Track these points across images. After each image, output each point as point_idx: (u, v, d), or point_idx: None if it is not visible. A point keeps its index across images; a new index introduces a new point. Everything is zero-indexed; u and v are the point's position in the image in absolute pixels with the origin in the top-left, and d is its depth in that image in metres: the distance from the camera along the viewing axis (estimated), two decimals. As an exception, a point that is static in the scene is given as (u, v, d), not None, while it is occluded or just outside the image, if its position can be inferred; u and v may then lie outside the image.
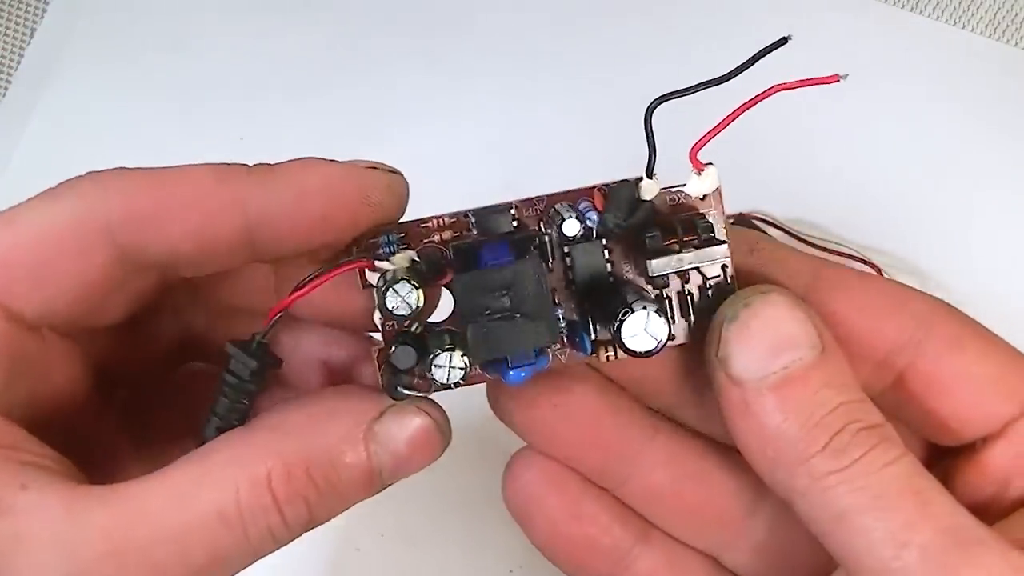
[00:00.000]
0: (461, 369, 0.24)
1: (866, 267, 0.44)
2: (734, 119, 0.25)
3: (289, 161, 0.25)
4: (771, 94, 0.25)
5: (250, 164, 0.25)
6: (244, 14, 0.51)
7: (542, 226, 0.25)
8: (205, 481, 0.23)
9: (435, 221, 0.25)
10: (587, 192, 0.25)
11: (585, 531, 0.27)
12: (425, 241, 0.25)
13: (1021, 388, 0.23)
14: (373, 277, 0.24)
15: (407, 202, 0.26)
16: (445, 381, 0.24)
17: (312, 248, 0.25)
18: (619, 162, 0.48)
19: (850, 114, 0.48)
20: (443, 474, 0.44)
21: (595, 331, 0.25)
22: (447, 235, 0.25)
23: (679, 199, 0.25)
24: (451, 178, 0.49)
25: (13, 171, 0.50)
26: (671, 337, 0.24)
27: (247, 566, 0.23)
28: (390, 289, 0.23)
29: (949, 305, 0.24)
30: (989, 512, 0.23)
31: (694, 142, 0.24)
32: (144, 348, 0.28)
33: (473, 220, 0.25)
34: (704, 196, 0.26)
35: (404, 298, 0.23)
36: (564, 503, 0.28)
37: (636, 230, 0.24)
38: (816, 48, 0.49)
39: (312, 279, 0.24)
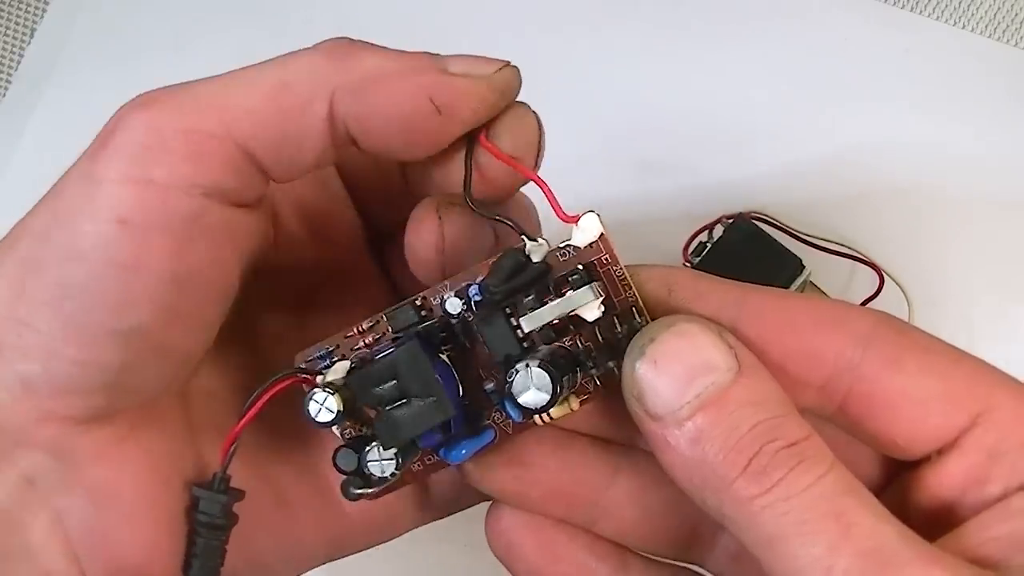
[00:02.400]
0: (391, 460, 0.25)
1: (866, 267, 0.44)
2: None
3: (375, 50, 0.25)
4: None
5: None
6: (244, 14, 0.51)
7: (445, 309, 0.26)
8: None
9: (356, 328, 0.26)
10: (483, 267, 0.25)
11: (564, 571, 0.28)
12: (354, 349, 0.26)
13: (967, 398, 0.22)
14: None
15: (508, 102, 0.26)
16: (381, 474, 0.25)
17: (408, 151, 0.25)
18: (621, 162, 0.48)
19: (850, 114, 0.48)
20: (444, 473, 0.44)
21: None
22: (369, 339, 0.26)
23: (570, 253, 0.25)
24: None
25: (13, 171, 0.50)
26: (561, 388, 0.24)
27: None
28: (310, 400, 0.25)
29: (891, 319, 0.23)
30: (947, 523, 0.22)
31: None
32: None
33: (386, 319, 0.26)
34: (592, 244, 0.25)
35: (324, 405, 0.25)
36: (540, 547, 0.28)
37: (521, 292, 0.25)
38: (816, 48, 0.49)
39: (254, 401, 0.25)
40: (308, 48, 0.25)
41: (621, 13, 0.50)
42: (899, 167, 0.47)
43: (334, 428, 0.26)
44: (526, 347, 0.25)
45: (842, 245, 0.43)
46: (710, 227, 0.43)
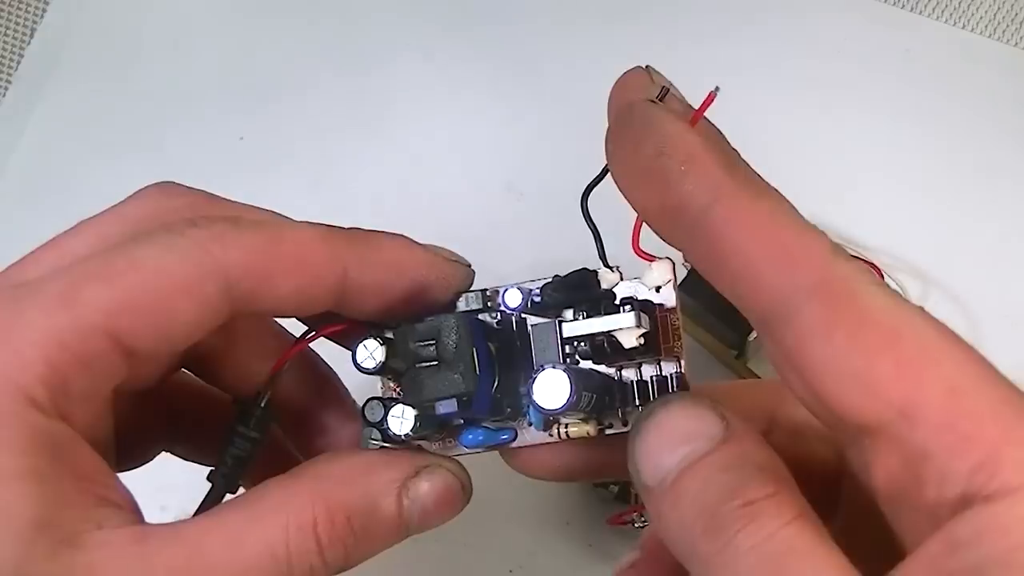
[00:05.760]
0: (410, 421, 0.26)
1: (866, 267, 0.44)
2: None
3: (381, 233, 0.28)
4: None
5: (345, 227, 0.27)
6: (244, 14, 0.51)
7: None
8: (257, 524, 0.25)
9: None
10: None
11: None
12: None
13: (892, 387, 0.20)
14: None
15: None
16: (397, 431, 0.26)
17: (379, 318, 0.28)
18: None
19: (850, 114, 0.48)
20: (443, 474, 0.44)
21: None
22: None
23: (636, 290, 0.26)
24: (452, 177, 0.49)
25: (13, 171, 0.50)
26: (578, 398, 0.24)
27: None
28: (360, 345, 0.26)
29: (851, 274, 0.21)
30: (888, 526, 0.21)
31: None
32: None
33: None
34: (659, 288, 0.26)
35: (371, 353, 0.26)
36: None
37: (576, 307, 0.26)
38: (815, 48, 0.49)
39: (310, 335, 0.27)
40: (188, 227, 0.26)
41: (622, 12, 0.50)
42: (898, 167, 0.47)
43: (378, 380, 0.28)
44: (566, 357, 0.26)
45: (842, 244, 0.43)
46: (710, 227, 0.43)
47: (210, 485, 0.29)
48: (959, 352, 0.20)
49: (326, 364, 0.33)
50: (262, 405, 0.29)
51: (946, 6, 0.49)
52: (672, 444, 0.22)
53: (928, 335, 0.20)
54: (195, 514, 0.27)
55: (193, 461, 0.30)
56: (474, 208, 0.48)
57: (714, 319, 0.42)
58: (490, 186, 0.48)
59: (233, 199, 0.29)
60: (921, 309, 0.21)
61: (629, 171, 0.23)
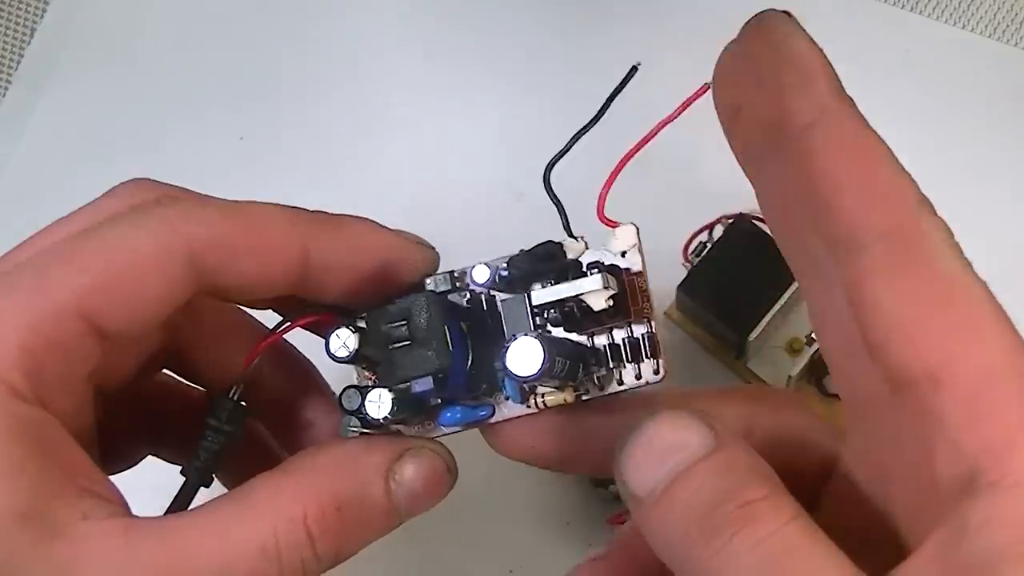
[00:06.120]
0: (388, 404, 0.26)
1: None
2: (625, 165, 0.27)
3: (346, 216, 0.28)
4: (658, 131, 0.27)
5: (310, 209, 0.28)
6: (244, 14, 0.51)
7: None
8: (245, 518, 0.25)
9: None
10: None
11: None
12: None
13: (931, 346, 0.20)
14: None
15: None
16: (376, 415, 0.26)
17: (345, 301, 0.28)
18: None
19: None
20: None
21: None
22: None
23: (603, 256, 0.27)
24: (452, 177, 0.49)
25: (13, 171, 0.50)
26: (552, 365, 0.25)
27: None
28: (333, 335, 0.26)
29: (925, 224, 0.22)
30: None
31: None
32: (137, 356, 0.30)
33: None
34: (624, 252, 0.27)
35: (344, 342, 0.26)
36: None
37: (543, 277, 0.27)
38: (816, 48, 0.49)
39: (284, 327, 0.28)
40: (152, 207, 0.26)
41: (622, 11, 0.50)
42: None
43: (353, 369, 0.28)
44: (537, 326, 0.27)
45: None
46: (710, 227, 0.43)
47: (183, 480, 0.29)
48: (1006, 338, 0.20)
49: (305, 358, 0.33)
50: (234, 398, 0.29)
51: (946, 6, 0.49)
52: (661, 455, 0.22)
53: (982, 310, 0.20)
54: (168, 509, 0.28)
55: (177, 463, 0.30)
56: (474, 208, 0.48)
57: (714, 319, 0.42)
58: (490, 186, 0.48)
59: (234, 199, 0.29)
60: (984, 285, 0.21)
61: (742, 74, 0.24)
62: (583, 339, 0.27)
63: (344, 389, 0.27)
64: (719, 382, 0.44)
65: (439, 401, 0.27)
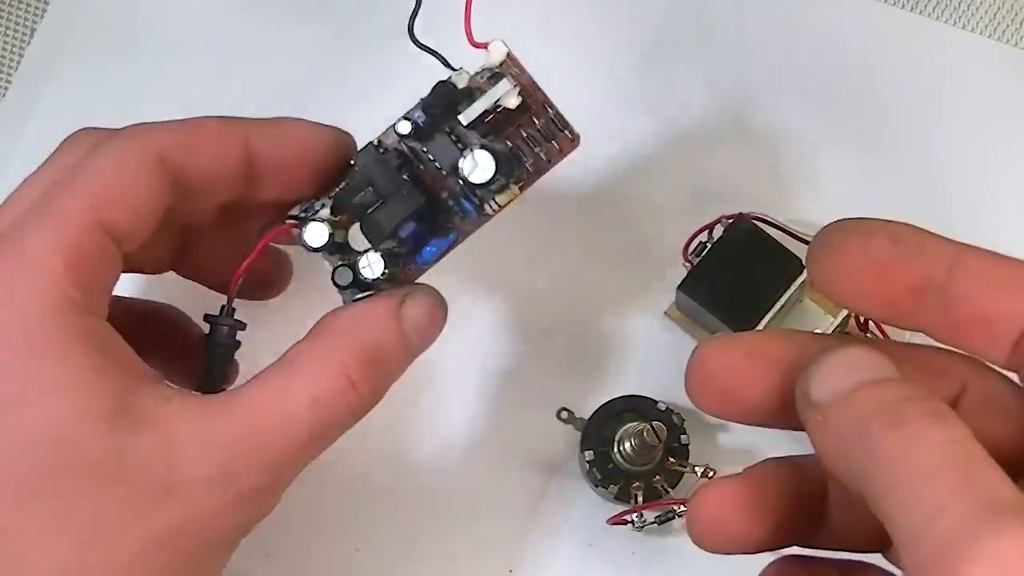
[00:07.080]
0: (379, 262, 0.30)
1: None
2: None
3: (284, 117, 0.33)
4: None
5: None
6: (245, 14, 0.51)
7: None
8: (295, 380, 0.30)
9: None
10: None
11: None
12: (331, 196, 0.32)
13: None
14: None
15: None
16: (372, 277, 0.30)
17: (289, 196, 0.32)
18: (620, 160, 0.48)
19: (849, 114, 0.48)
20: (443, 474, 0.44)
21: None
22: (343, 185, 0.32)
23: (487, 73, 0.31)
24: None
25: (13, 171, 0.50)
26: (500, 164, 0.30)
27: (335, 440, 0.31)
28: (306, 228, 0.30)
29: None
30: None
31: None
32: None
33: (354, 163, 0.32)
34: (502, 63, 0.31)
35: (317, 233, 0.30)
36: None
37: (455, 109, 0.31)
38: (815, 48, 0.49)
39: (255, 244, 0.31)
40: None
41: (622, 10, 0.50)
42: (898, 167, 0.47)
43: (324, 256, 0.31)
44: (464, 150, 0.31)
45: None
46: (710, 227, 0.43)
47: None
48: None
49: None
50: (231, 315, 0.33)
51: (946, 6, 0.49)
52: (851, 368, 0.23)
53: None
54: None
55: (174, 383, 0.32)
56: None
57: (714, 319, 0.42)
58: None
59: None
60: None
61: (858, 274, 0.25)
62: (509, 144, 0.31)
63: (334, 270, 0.31)
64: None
65: (412, 248, 0.31)
